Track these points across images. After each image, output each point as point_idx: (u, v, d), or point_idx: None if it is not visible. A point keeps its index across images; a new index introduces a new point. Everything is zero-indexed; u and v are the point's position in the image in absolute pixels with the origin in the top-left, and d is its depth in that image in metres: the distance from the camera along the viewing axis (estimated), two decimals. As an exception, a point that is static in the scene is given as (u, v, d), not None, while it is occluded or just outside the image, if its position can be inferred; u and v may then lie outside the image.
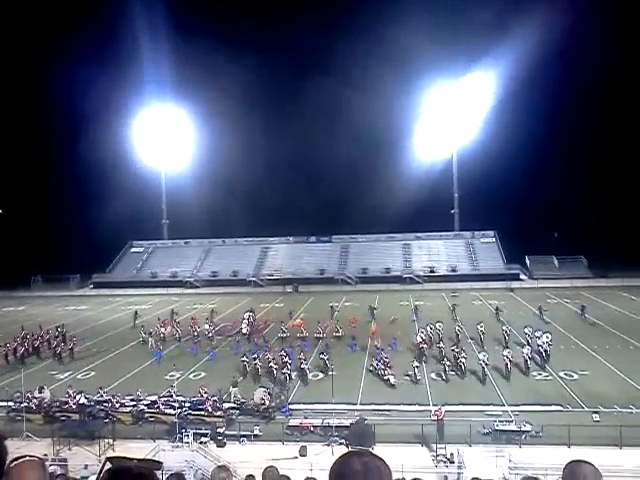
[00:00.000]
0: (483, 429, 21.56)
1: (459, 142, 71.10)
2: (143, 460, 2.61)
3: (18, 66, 71.41)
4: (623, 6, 64.42)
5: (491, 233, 70.09)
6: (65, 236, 64.24)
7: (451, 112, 68.70)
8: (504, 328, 35.24)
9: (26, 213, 69.98)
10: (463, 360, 29.18)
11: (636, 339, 34.06)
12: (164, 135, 75.00)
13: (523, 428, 21.24)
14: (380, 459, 2.12)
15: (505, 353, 29.19)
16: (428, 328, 35.59)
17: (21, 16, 71.19)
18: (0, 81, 69.57)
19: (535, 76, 64.80)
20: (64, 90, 70.01)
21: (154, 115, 74.11)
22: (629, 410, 22.97)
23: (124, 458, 2.61)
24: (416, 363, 29.31)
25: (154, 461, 2.70)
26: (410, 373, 28.57)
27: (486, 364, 28.28)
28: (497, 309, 42.14)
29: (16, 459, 2.61)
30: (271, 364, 29.44)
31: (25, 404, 24.53)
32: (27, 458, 2.84)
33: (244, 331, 39.29)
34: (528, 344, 31.18)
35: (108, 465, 2.51)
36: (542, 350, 30.67)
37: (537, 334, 32.31)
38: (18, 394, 25.39)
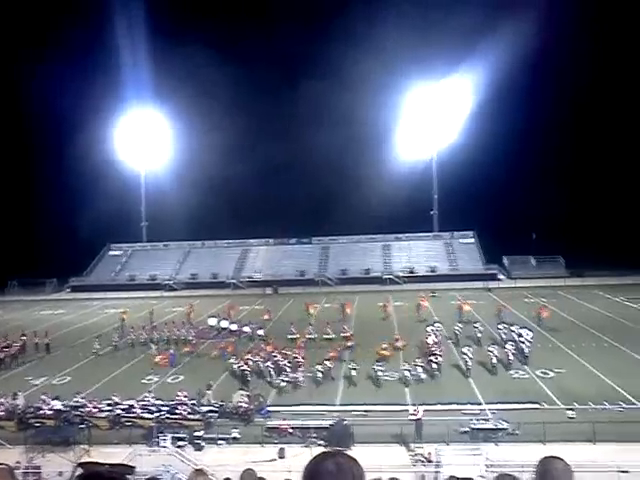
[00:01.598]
0: (460, 428, 21.70)
1: (439, 144, 71.51)
2: (115, 465, 2.58)
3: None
4: (602, 10, 65.41)
5: (470, 234, 70.63)
6: (42, 239, 63.35)
7: (431, 114, 69.08)
8: (476, 326, 35.81)
9: (2, 216, 68.84)
10: (439, 359, 29.44)
11: (610, 337, 34.60)
12: (143, 137, 74.34)
13: (500, 426, 21.44)
14: (353, 459, 2.14)
15: (490, 348, 29.90)
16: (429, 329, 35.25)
17: None
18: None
19: (515, 79, 65.29)
20: (42, 92, 69.09)
21: (133, 117, 73.48)
22: (603, 407, 23.31)
23: (96, 463, 2.59)
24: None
25: (126, 466, 2.67)
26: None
27: (470, 358, 29.10)
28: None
29: None
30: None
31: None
32: None
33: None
34: (506, 341, 31.68)
35: (80, 471, 2.47)
36: (523, 347, 30.98)
37: (521, 331, 32.63)
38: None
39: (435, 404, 24.12)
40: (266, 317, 43.84)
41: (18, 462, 17.46)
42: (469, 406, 24.22)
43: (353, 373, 28.43)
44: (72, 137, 68.07)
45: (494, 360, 29.27)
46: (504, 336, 33.28)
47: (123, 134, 74.64)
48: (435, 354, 29.62)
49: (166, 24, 71.94)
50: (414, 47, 63.76)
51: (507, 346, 30.49)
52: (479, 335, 34.77)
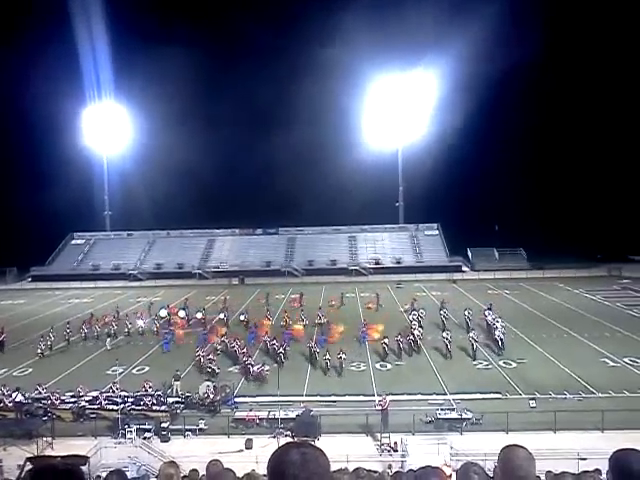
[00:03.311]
0: (426, 418, 22.06)
1: (404, 136, 71.99)
2: (67, 457, 2.55)
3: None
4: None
5: (435, 226, 71.52)
6: (1, 227, 61.67)
7: (397, 106, 69.49)
8: (441, 312, 37.62)
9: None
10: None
11: (570, 328, 35.57)
12: (107, 124, 72.94)
13: (464, 416, 21.86)
14: (319, 449, 2.16)
15: (471, 335, 31.29)
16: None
17: None
18: None
19: (479, 72, 66.30)
20: (3, 82, 67.38)
21: (98, 105, 72.14)
22: (563, 396, 23.97)
23: (45, 457, 2.55)
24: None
25: (79, 456, 2.64)
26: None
27: (449, 341, 30.82)
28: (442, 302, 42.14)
29: None
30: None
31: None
32: None
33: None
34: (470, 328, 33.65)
35: (29, 466, 2.43)
36: (498, 337, 31.90)
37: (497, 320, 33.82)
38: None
39: (402, 394, 24.45)
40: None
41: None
42: (434, 396, 24.64)
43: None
44: (35, 125, 66.66)
45: (475, 345, 30.74)
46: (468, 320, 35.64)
47: (87, 123, 73.16)
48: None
49: (131, 13, 70.74)
50: (379, 39, 64.16)
51: (496, 332, 32.06)
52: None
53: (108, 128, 73.05)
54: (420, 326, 34.66)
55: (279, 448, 2.17)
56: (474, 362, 29.55)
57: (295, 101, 69.34)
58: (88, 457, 2.59)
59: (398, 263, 65.35)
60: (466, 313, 36.68)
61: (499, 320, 33.80)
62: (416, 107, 69.11)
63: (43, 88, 66.57)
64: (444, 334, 31.78)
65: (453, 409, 22.73)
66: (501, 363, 29.17)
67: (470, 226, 63.50)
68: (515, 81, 68.28)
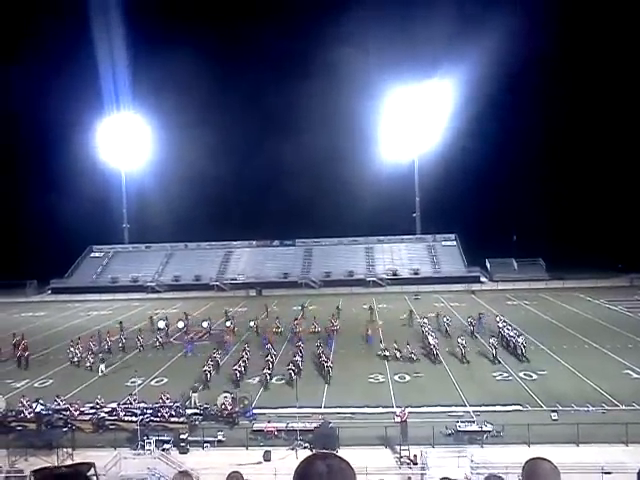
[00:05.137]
0: (446, 430, 21.82)
1: (420, 147, 71.88)
2: (72, 465, 2.57)
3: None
4: (586, 8, 66.31)
5: (452, 236, 71.14)
6: (22, 240, 62.55)
7: (413, 117, 69.43)
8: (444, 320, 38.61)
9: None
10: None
11: (592, 339, 35.06)
12: (125, 139, 73.72)
13: (484, 428, 21.59)
14: (344, 461, 2.14)
15: (491, 340, 32.24)
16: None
17: None
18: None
19: (495, 82, 66.11)
20: (24, 94, 68.57)
21: (115, 120, 72.96)
22: (586, 408, 23.58)
23: (49, 467, 2.58)
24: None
25: (84, 463, 2.66)
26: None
27: (464, 346, 31.88)
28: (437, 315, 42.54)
29: None
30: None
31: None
32: None
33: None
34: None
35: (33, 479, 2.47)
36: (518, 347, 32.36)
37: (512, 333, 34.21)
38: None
39: (421, 406, 24.23)
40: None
41: (0, 466, 17.18)
42: (454, 408, 24.37)
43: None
44: (54, 140, 67.65)
45: (494, 351, 31.52)
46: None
47: (105, 136, 73.97)
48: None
49: (145, 25, 71.53)
50: (396, 50, 64.26)
51: (519, 339, 32.63)
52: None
53: (126, 141, 73.86)
54: (434, 334, 34.98)
55: (305, 459, 2.15)
56: (494, 374, 29.22)
57: (312, 112, 69.56)
58: (93, 463, 2.59)
59: (415, 274, 65.05)
60: (470, 320, 38.40)
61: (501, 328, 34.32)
62: (432, 117, 68.98)
63: (61, 100, 67.61)
64: (459, 339, 32.77)
65: (473, 421, 22.47)
66: (521, 374, 28.79)
67: (488, 236, 62.99)
68: (532, 89, 68.05)
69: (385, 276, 65.04)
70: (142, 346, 37.08)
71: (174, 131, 73.43)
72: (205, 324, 41.79)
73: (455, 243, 70.42)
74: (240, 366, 29.74)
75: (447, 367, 30.80)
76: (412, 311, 43.73)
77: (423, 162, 72.68)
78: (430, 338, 33.74)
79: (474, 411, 23.86)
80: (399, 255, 69.67)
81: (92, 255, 75.37)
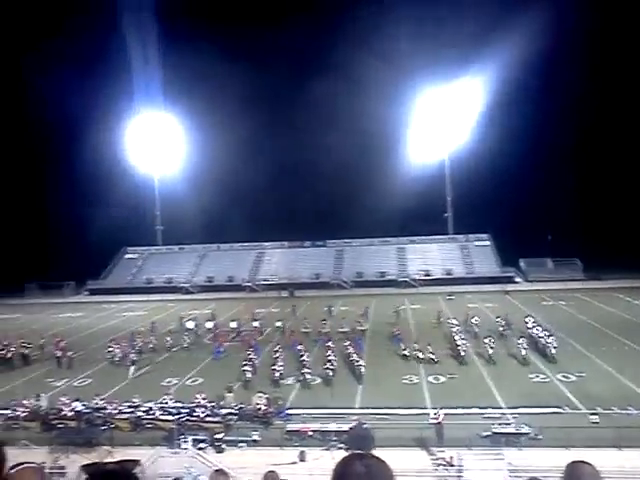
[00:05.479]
0: (482, 432, 21.56)
1: (451, 145, 71.31)
2: (119, 462, 2.62)
3: (8, 73, 71.03)
4: (617, 10, 64.97)
5: (485, 236, 70.33)
6: (59, 242, 63.98)
7: (443, 115, 68.93)
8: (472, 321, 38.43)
9: (20, 220, 69.60)
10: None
11: (631, 340, 34.23)
12: (157, 141, 74.84)
13: (522, 430, 21.26)
14: (383, 462, 2.14)
15: (519, 341, 31.65)
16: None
17: (10, 22, 70.69)
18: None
19: (528, 78, 65.24)
20: (55, 97, 69.70)
21: (147, 120, 73.96)
22: (627, 411, 23.04)
23: (98, 463, 2.63)
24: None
25: (131, 460, 2.71)
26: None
27: (491, 347, 31.46)
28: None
29: (15, 466, 2.64)
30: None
31: (22, 412, 24.38)
32: (26, 465, 2.88)
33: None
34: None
35: (84, 473, 2.52)
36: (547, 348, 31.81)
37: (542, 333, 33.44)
38: (14, 402, 25.23)
39: (456, 407, 24.00)
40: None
41: (44, 462, 17.57)
42: (490, 410, 24.07)
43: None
44: (88, 141, 68.55)
45: (523, 352, 31.05)
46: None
47: (137, 137, 75.08)
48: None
49: (177, 25, 72.27)
50: (426, 48, 63.78)
51: (549, 339, 32.09)
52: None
53: (159, 143, 74.85)
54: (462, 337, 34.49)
55: (343, 459, 2.16)
56: (530, 375, 28.78)
57: (342, 112, 69.59)
58: (139, 460, 2.64)
59: (448, 274, 64.50)
60: (499, 320, 37.75)
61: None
62: (463, 114, 68.36)
63: (96, 100, 68.84)
64: (485, 340, 32.38)
65: (510, 423, 22.16)
66: (559, 376, 28.29)
67: (522, 236, 62.06)
68: (566, 85, 66.72)
69: (417, 277, 64.65)
70: (172, 347, 37.48)
71: (206, 132, 74.07)
72: (234, 324, 42.11)
73: (488, 243, 69.61)
74: (278, 366, 29.94)
75: (482, 368, 30.46)
76: (441, 312, 43.24)
77: (454, 161, 72.12)
78: (457, 339, 33.48)
79: (511, 413, 23.54)
80: (431, 255, 69.18)
81: (127, 257, 76.70)
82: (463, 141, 69.89)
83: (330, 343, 33.03)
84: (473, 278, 62.42)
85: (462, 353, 32.12)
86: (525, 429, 21.30)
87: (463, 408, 24.14)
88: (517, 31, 60.44)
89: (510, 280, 61.35)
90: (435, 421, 21.61)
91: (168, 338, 38.40)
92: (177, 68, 68.97)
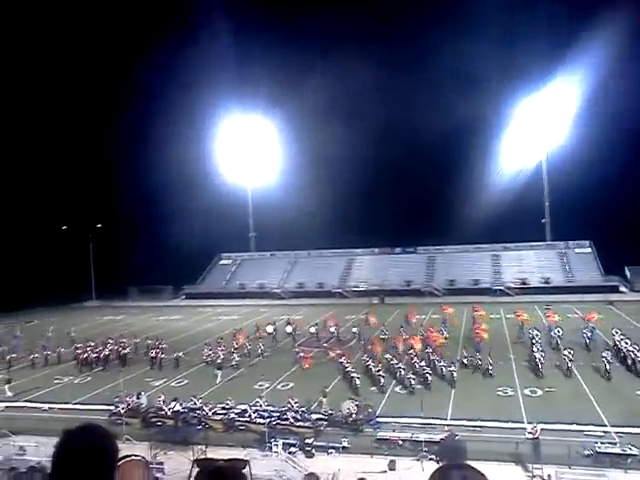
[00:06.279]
0: (584, 450, 20.36)
1: (548, 148, 68.40)
2: (229, 460, 2.66)
3: (99, 82, 74.98)
4: None
5: (586, 243, 66.83)
6: (159, 250, 67.08)
7: (541, 117, 66.29)
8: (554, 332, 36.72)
9: (123, 228, 73.69)
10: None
11: None
12: (250, 149, 76.72)
13: (628, 451, 19.87)
14: (480, 473, 2.03)
15: (604, 354, 29.91)
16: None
17: (105, 30, 74.41)
18: (86, 98, 73.89)
19: (628, 76, 61.37)
20: (152, 106, 73.29)
21: (240, 128, 75.79)
22: None
23: (211, 459, 2.67)
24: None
25: (240, 460, 2.73)
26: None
27: (609, 362, 29.51)
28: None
29: (122, 458, 2.75)
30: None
31: (124, 409, 25.69)
32: (133, 457, 3.01)
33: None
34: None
35: (197, 467, 2.58)
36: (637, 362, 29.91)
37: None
38: (118, 399, 26.63)
39: (554, 423, 22.83)
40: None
41: (144, 457, 18.42)
42: (591, 427, 22.70)
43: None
44: (185, 154, 71.35)
45: (607, 366, 29.39)
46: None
47: (231, 148, 77.13)
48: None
49: (273, 23, 73.26)
50: (523, 48, 61.77)
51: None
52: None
53: (253, 154, 76.63)
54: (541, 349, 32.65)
55: (439, 469, 2.07)
56: (638, 392, 26.91)
57: (432, 116, 68.37)
58: (248, 461, 2.67)
59: (546, 283, 61.79)
60: (584, 332, 36.16)
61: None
62: (561, 117, 65.41)
63: (190, 109, 71.36)
64: (565, 352, 31.00)
65: (615, 443, 20.78)
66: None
67: (627, 243, 58.32)
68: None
69: (513, 285, 62.38)
70: (264, 351, 38.20)
71: (298, 141, 75.20)
72: (313, 329, 42.48)
73: (590, 250, 66.09)
74: (381, 371, 29.89)
75: (583, 383, 28.84)
76: (524, 321, 41.25)
77: (552, 164, 69.03)
78: (535, 350, 31.85)
79: (615, 432, 22.09)
80: (528, 263, 66.55)
81: (221, 263, 79.32)
82: (561, 143, 66.80)
83: (412, 351, 32.64)
84: (573, 287, 59.36)
85: (539, 365, 30.60)
86: (634, 450, 19.88)
87: (562, 424, 22.93)
88: (614, 26, 57.27)
89: (614, 289, 57.88)
90: (531, 436, 20.66)
91: (260, 343, 39.20)
92: (274, 72, 70.01)
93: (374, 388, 29.41)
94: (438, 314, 48.54)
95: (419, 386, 28.56)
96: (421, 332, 38.57)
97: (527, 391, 28.04)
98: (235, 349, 37.19)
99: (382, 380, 29.44)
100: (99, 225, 76.46)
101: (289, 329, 43.08)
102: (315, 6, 70.15)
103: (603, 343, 34.48)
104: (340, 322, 45.39)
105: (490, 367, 30.90)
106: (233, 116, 75.27)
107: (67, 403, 29.21)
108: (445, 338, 37.90)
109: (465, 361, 32.47)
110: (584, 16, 61.18)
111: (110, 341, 39.38)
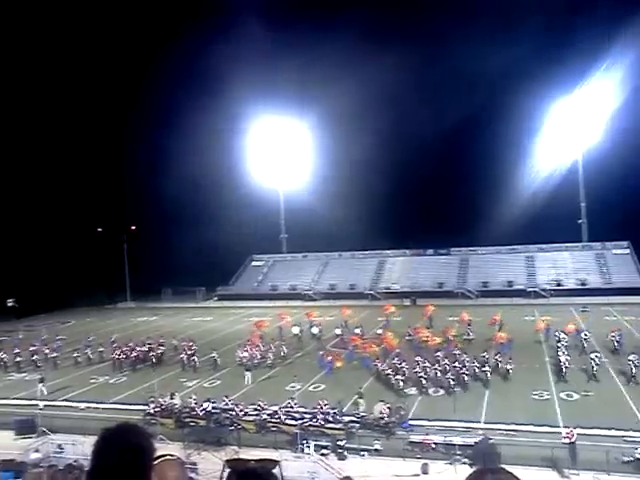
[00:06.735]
0: (623, 457, 19.86)
1: (584, 148, 66.93)
2: (260, 460, 2.66)
3: (137, 86, 75.95)
4: None
5: (624, 244, 65.16)
6: (192, 252, 67.74)
7: (576, 117, 64.91)
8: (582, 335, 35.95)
9: (157, 230, 74.63)
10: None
11: None
12: (281, 151, 76.91)
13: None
14: (516, 478, 1.99)
15: (631, 357, 29.43)
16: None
17: (135, 31, 75.08)
18: (124, 102, 75.13)
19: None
20: (186, 109, 73.91)
21: (271, 130, 75.87)
22: None
23: (241, 460, 2.67)
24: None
25: (271, 460, 2.74)
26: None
27: (636, 365, 28.86)
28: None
29: (158, 457, 2.79)
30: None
31: (158, 408, 26.05)
32: (168, 457, 3.05)
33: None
34: None
35: (228, 468, 2.58)
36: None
37: None
38: (152, 399, 27.00)
39: (591, 427, 22.33)
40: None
41: (179, 458, 18.64)
42: (631, 433, 22.14)
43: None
44: (217, 157, 71.93)
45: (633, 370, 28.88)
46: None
47: (263, 150, 77.38)
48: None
49: (308, 22, 72.93)
50: (558, 48, 60.70)
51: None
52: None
53: (285, 156, 76.88)
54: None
55: (474, 472, 2.04)
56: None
57: (469, 117, 67.59)
58: (279, 462, 2.69)
59: (583, 285, 60.45)
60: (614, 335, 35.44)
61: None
62: (597, 115, 63.92)
63: (222, 112, 71.66)
64: (592, 355, 30.62)
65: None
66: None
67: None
68: None
69: (548, 287, 61.26)
70: (296, 352, 38.28)
71: (330, 142, 74.92)
72: (338, 331, 42.39)
73: (628, 251, 64.40)
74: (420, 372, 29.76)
75: (621, 387, 28.17)
76: (549, 323, 40.32)
77: (588, 163, 67.51)
78: (560, 354, 31.21)
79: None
80: (563, 264, 65.25)
81: (253, 264, 79.71)
82: (598, 143, 65.27)
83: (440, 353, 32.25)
84: (611, 289, 57.92)
85: (563, 369, 30.06)
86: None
87: (600, 428, 22.43)
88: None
89: (654, 291, 56.27)
90: (568, 440, 20.27)
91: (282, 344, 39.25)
92: (305, 74, 69.75)
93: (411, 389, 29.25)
94: (473, 316, 47.89)
95: (457, 389, 28.31)
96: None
97: (563, 395, 27.52)
98: (266, 350, 37.36)
99: (424, 381, 29.22)
100: (133, 227, 77.68)
101: (315, 330, 43.07)
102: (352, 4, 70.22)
103: (631, 347, 33.41)
104: (369, 324, 45.17)
105: (509, 368, 30.40)
106: (265, 118, 75.51)
107: (102, 403, 29.74)
108: (469, 340, 37.92)
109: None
110: (623, 15, 59.76)
111: (149, 342, 40.02)
